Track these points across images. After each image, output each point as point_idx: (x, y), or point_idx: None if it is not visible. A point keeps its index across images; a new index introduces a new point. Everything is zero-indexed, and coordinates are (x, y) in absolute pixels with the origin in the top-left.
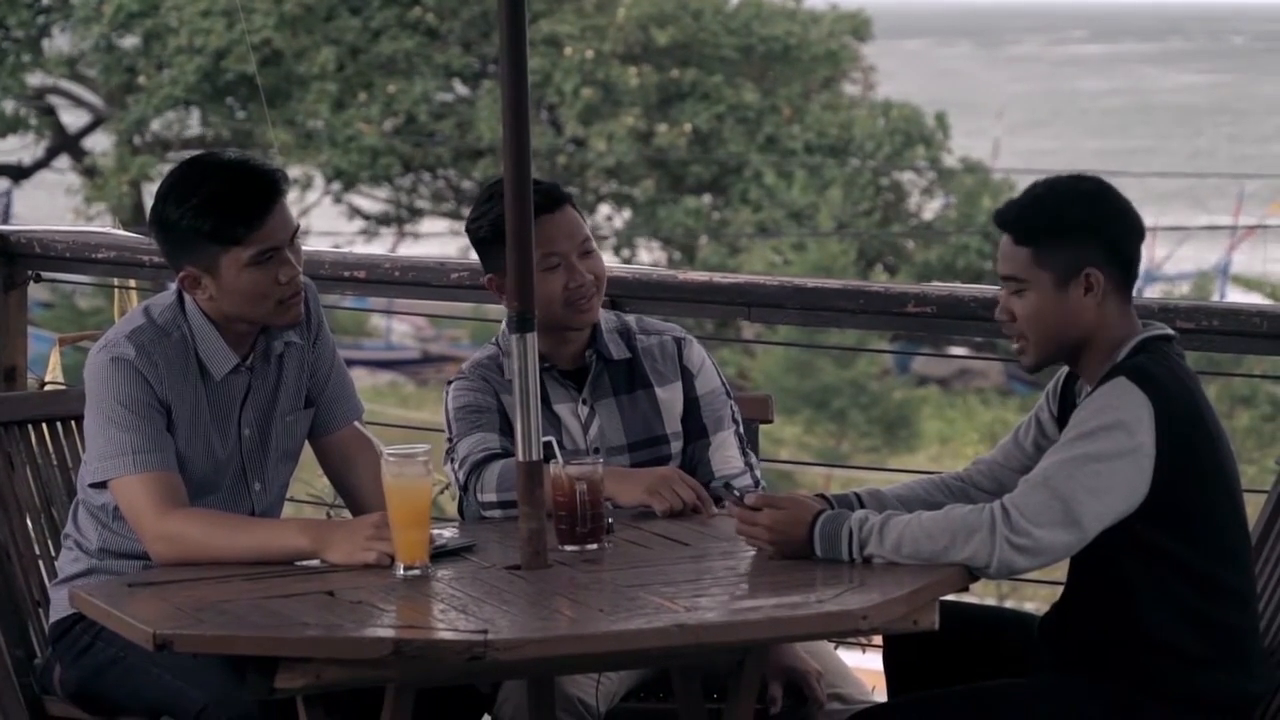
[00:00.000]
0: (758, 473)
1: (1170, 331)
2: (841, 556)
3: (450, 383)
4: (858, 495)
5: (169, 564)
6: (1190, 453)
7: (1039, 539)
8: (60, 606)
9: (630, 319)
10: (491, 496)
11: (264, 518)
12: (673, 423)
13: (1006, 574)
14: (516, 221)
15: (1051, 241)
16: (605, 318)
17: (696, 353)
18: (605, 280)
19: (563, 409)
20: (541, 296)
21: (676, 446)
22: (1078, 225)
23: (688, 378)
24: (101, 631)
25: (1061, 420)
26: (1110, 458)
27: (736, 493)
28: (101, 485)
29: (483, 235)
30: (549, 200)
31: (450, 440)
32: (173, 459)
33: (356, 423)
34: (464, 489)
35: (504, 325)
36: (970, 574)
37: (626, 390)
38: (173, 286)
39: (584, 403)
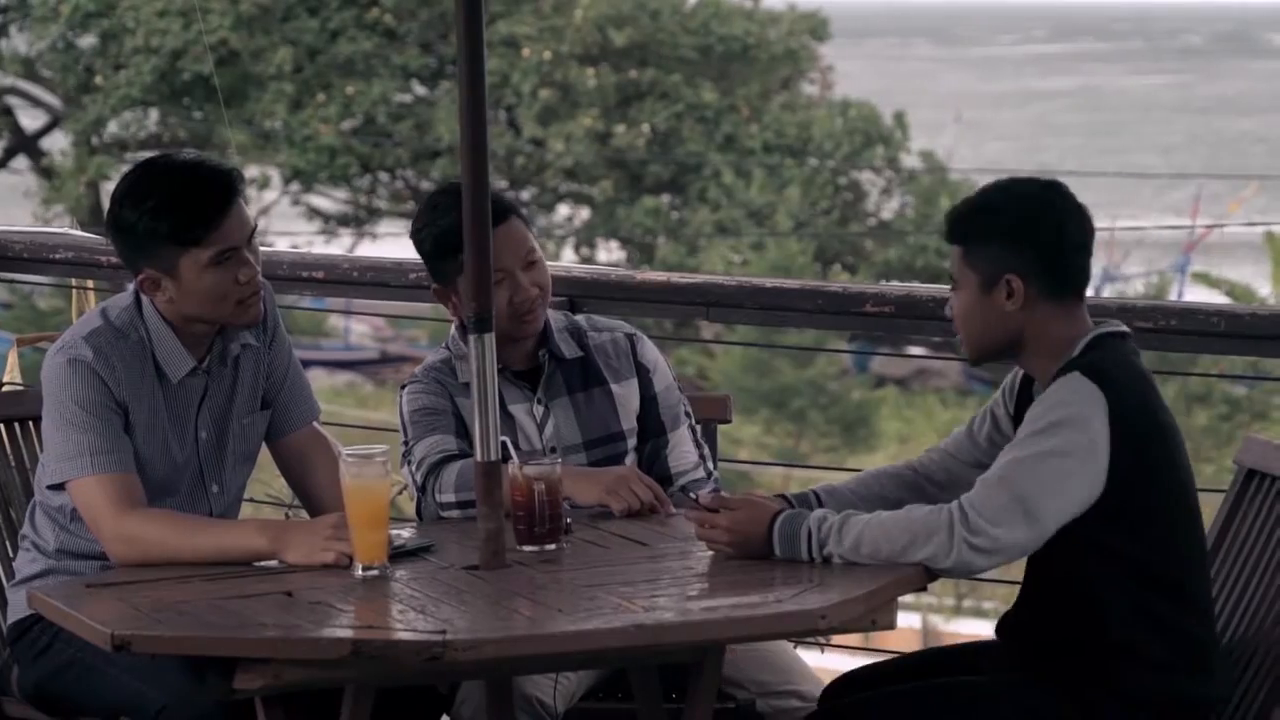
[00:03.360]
0: (710, 464)
1: (1125, 329)
2: (800, 556)
3: (404, 387)
4: (816, 494)
5: (127, 565)
6: (1144, 449)
7: (997, 538)
8: (18, 608)
9: (580, 318)
10: (450, 497)
11: (222, 519)
12: (628, 419)
13: (965, 574)
14: (474, 223)
15: (978, 244)
16: (554, 317)
17: (650, 349)
18: (550, 288)
19: (517, 409)
20: (498, 313)
21: (632, 443)
22: (1003, 231)
23: (644, 375)
24: (60, 632)
25: (1017, 418)
26: (1066, 454)
27: (693, 495)
28: (59, 487)
29: (427, 249)
30: (495, 214)
31: (406, 443)
32: (130, 460)
33: (315, 424)
34: (421, 490)
35: (453, 329)
36: (929, 574)
37: (581, 388)
38: (130, 288)
39: (539, 402)
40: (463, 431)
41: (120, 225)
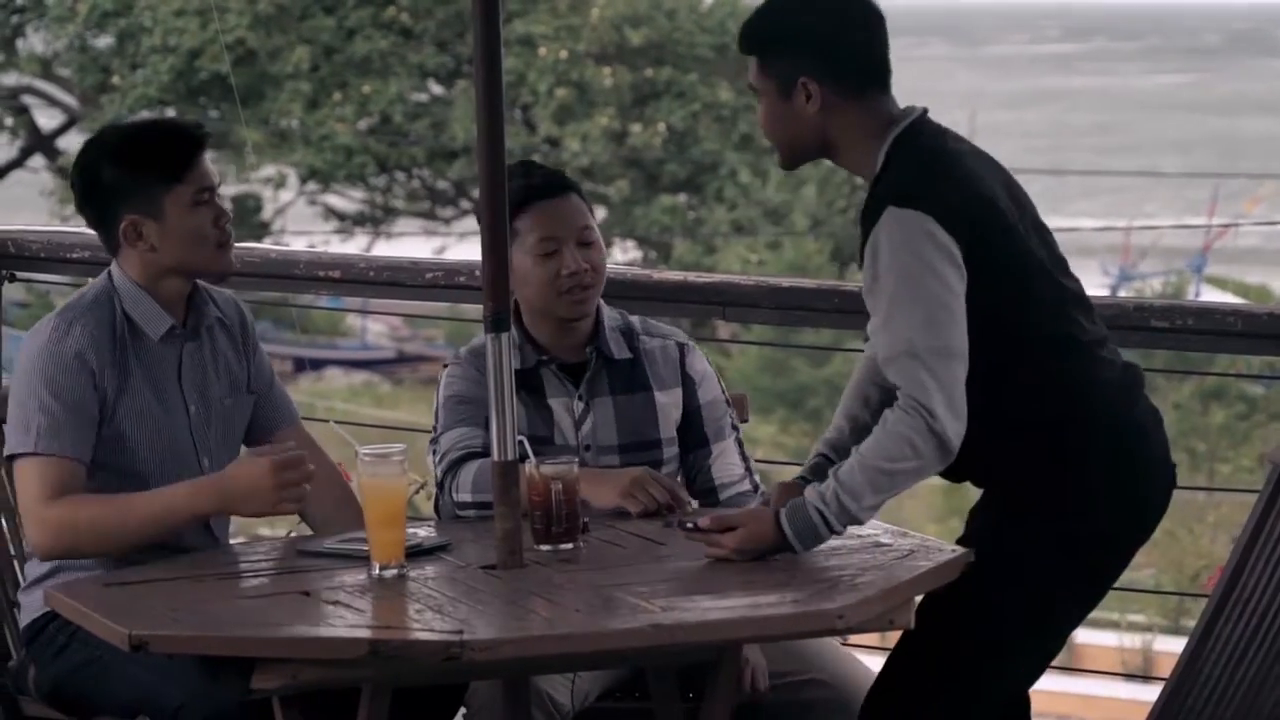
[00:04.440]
0: (756, 478)
1: (919, 111)
2: (825, 539)
3: (445, 366)
4: (825, 456)
5: (56, 556)
6: (982, 234)
7: (948, 395)
8: (32, 608)
9: (634, 319)
10: (466, 496)
11: (151, 490)
12: (668, 428)
13: (958, 437)
14: (491, 220)
15: (770, 51)
16: (609, 315)
17: (699, 361)
18: (604, 274)
19: (557, 403)
20: (536, 283)
21: (670, 452)
22: (790, 35)
23: (689, 385)
24: (77, 631)
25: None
26: (933, 295)
27: (690, 525)
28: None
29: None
30: (552, 185)
31: (435, 429)
32: (84, 450)
33: (299, 426)
34: (440, 486)
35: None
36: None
37: (624, 390)
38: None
39: (580, 399)
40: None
41: (98, 180)
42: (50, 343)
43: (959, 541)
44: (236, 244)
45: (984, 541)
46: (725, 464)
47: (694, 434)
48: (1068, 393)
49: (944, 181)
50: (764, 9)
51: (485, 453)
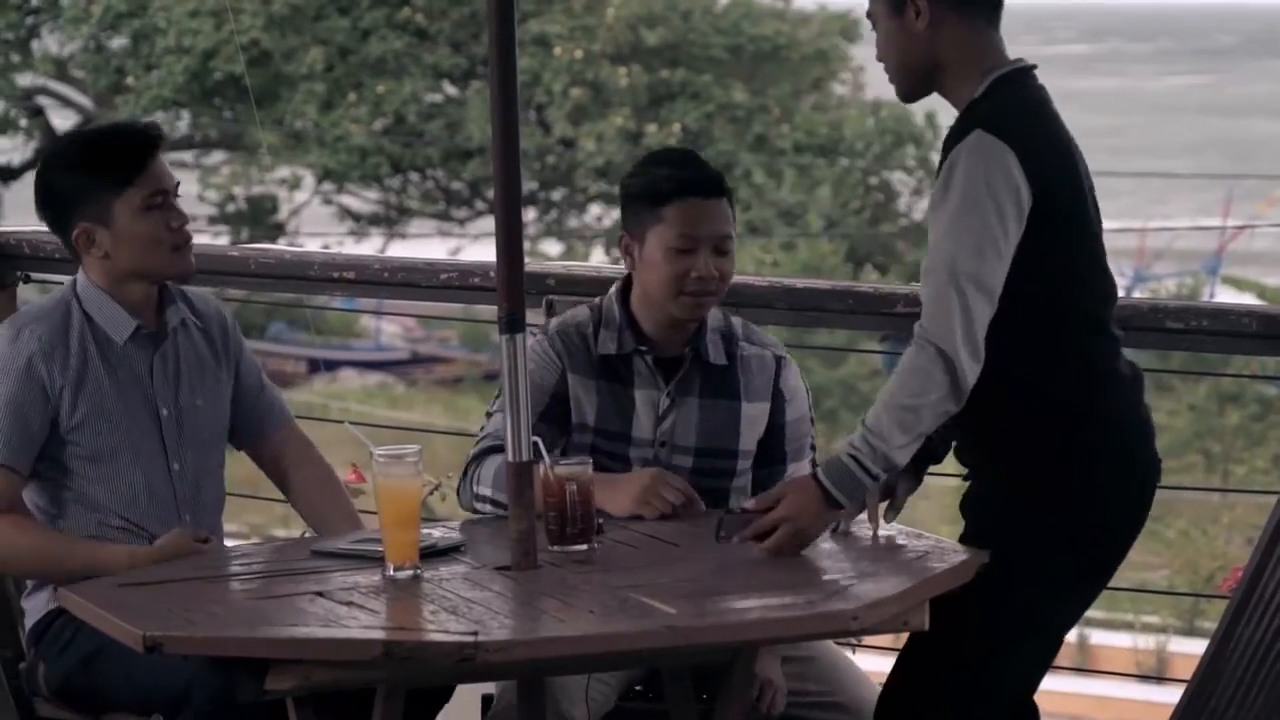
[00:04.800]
0: None
1: (1029, 63)
2: (867, 487)
3: (533, 333)
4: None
5: None
6: (1055, 193)
7: (966, 324)
8: (36, 609)
9: (737, 323)
10: (485, 490)
11: (95, 543)
12: (748, 441)
13: (973, 374)
14: (505, 223)
15: None
16: (713, 316)
17: (793, 376)
18: (728, 285)
19: (642, 395)
20: (661, 277)
21: (744, 465)
22: None
23: (779, 401)
24: (82, 625)
25: None
26: (986, 225)
27: (734, 508)
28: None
29: (633, 191)
30: (710, 185)
31: (495, 398)
32: (21, 463)
33: (291, 424)
34: (463, 473)
35: (613, 290)
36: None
37: (712, 395)
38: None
39: (667, 395)
40: (552, 415)
41: (50, 189)
42: (7, 351)
43: (961, 538)
44: (251, 245)
45: (989, 536)
46: None
47: (773, 450)
48: (1089, 379)
49: (1036, 129)
50: None
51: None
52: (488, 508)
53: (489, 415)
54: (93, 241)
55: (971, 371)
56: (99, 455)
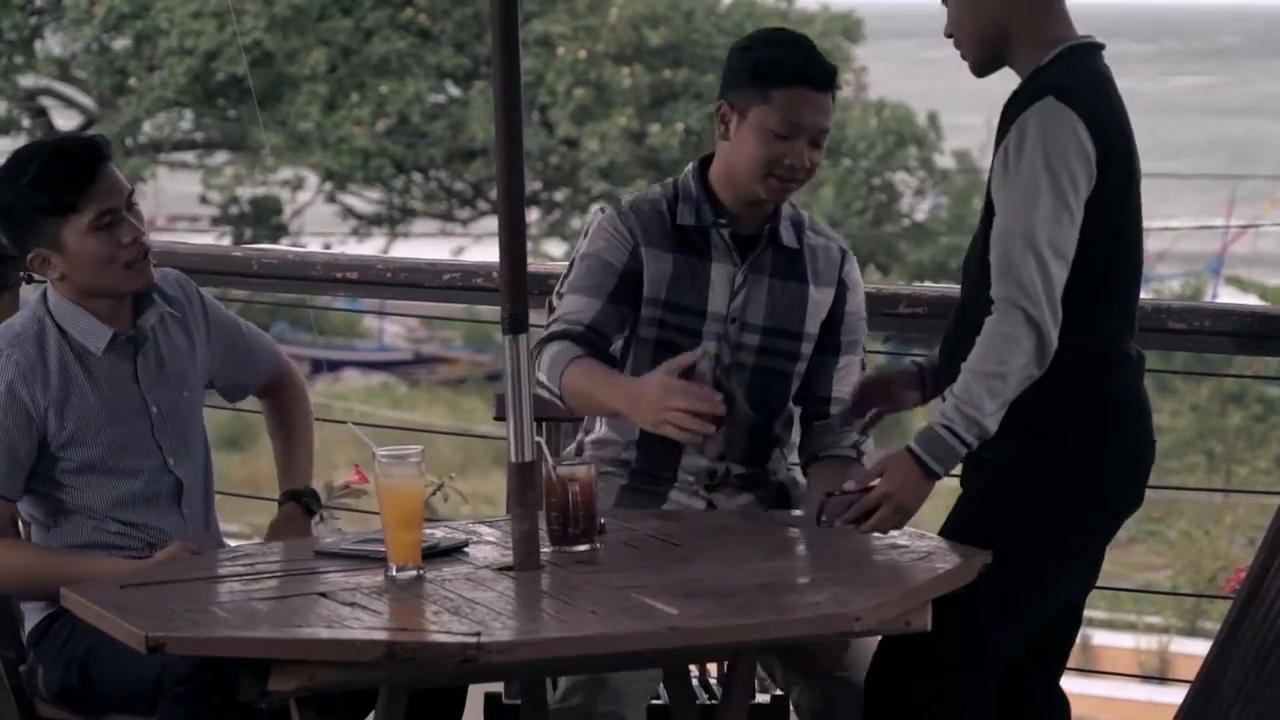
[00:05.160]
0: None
1: (1098, 40)
2: (961, 455)
3: (603, 210)
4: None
5: None
6: (1112, 167)
7: (1047, 287)
8: (35, 612)
9: (805, 215)
10: (541, 376)
11: (90, 559)
12: (813, 324)
13: (1056, 336)
14: (509, 224)
15: None
16: (787, 205)
17: (855, 271)
18: (814, 177)
19: (718, 269)
20: (752, 157)
21: (807, 348)
22: None
23: (842, 290)
24: (76, 628)
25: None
26: (1061, 184)
27: (836, 494)
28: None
29: (744, 65)
30: (822, 78)
31: (564, 278)
32: (12, 490)
33: (279, 357)
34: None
35: (691, 166)
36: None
37: (783, 276)
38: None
39: (741, 272)
40: (621, 295)
41: (5, 211)
42: None
43: (951, 514)
44: (254, 245)
45: (988, 505)
46: (846, 379)
47: (829, 339)
48: (1104, 351)
49: (1103, 101)
50: None
51: (584, 335)
52: (543, 394)
53: (560, 296)
54: (48, 264)
55: (1055, 334)
56: (91, 466)
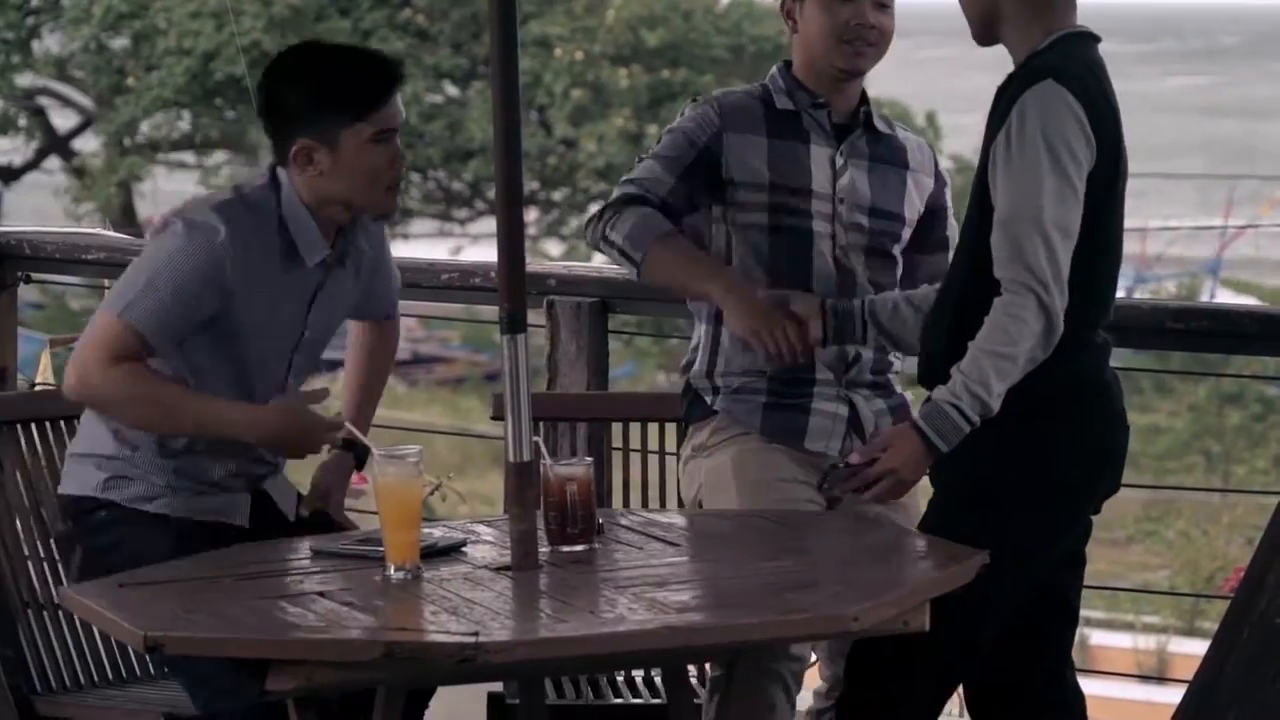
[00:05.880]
0: None
1: (1094, 33)
2: (965, 431)
3: (694, 99)
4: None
5: (83, 403)
6: (1103, 155)
7: (1056, 267)
8: (83, 482)
9: (895, 121)
10: (616, 238)
11: (210, 399)
12: (912, 210)
13: (1063, 314)
14: (507, 223)
15: None
16: (876, 106)
17: (944, 170)
18: (889, 42)
19: (817, 151)
20: (820, 27)
21: (906, 233)
22: None
23: (940, 183)
24: (126, 535)
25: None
26: (1064, 164)
27: (840, 466)
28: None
29: None
30: None
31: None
32: (165, 347)
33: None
34: (598, 216)
35: (775, 67)
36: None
37: (882, 161)
38: (264, 170)
39: (840, 154)
40: (694, 173)
41: (279, 100)
42: (195, 239)
43: (925, 517)
44: None
45: (959, 493)
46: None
47: (935, 233)
48: (1069, 338)
49: (1097, 88)
50: None
51: (661, 204)
52: (614, 254)
53: (640, 160)
54: (311, 160)
55: (1062, 314)
56: (233, 359)
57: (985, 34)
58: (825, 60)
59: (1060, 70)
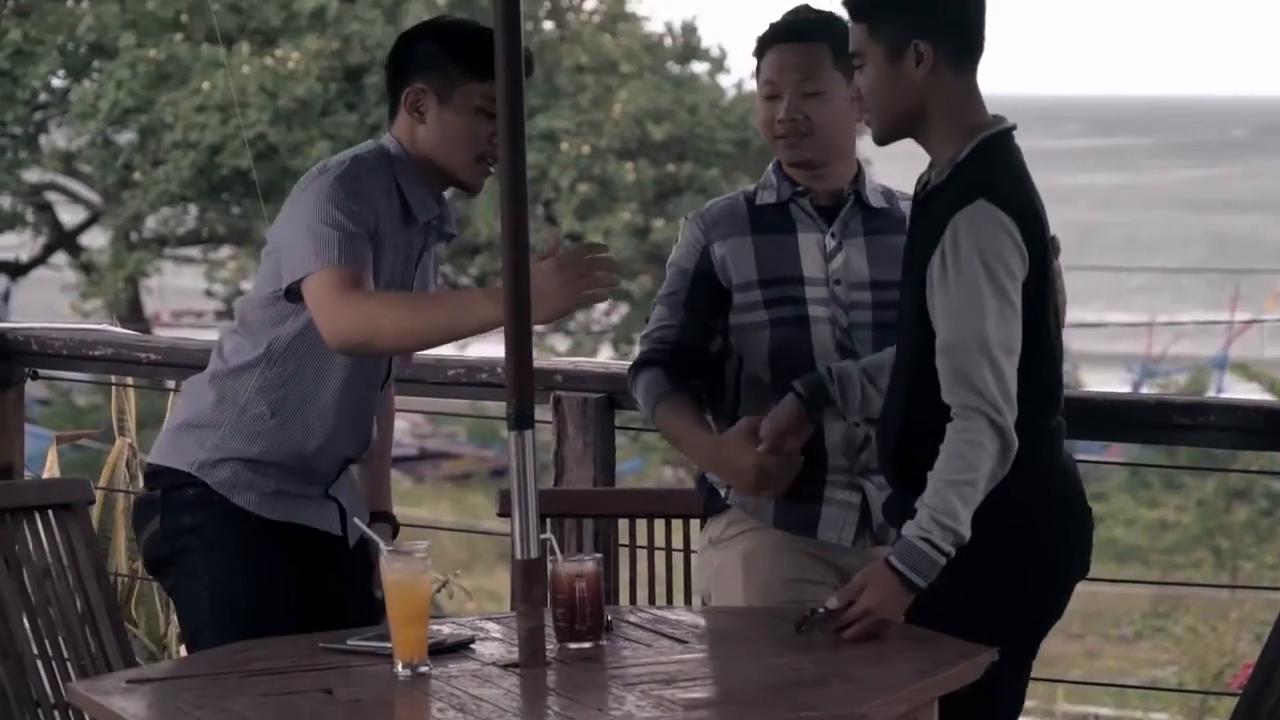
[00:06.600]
0: None
1: (1010, 124)
2: (940, 565)
3: (686, 218)
4: (829, 370)
5: (353, 346)
6: (1034, 251)
7: (1003, 387)
8: (178, 454)
9: (895, 190)
10: (637, 398)
11: (445, 291)
12: None
13: (1014, 430)
14: (514, 316)
15: (882, 15)
16: (870, 177)
17: None
18: (830, 128)
19: (805, 239)
20: (761, 127)
21: None
22: None
23: None
24: (215, 547)
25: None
26: (1002, 290)
27: (818, 611)
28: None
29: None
30: (788, 32)
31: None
32: (370, 264)
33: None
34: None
35: (771, 165)
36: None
37: (877, 232)
38: (378, 139)
39: (831, 236)
40: (696, 301)
41: (410, 48)
42: (344, 177)
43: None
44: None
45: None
46: None
47: None
48: (1033, 434)
49: (1023, 194)
50: None
51: (673, 360)
52: (643, 412)
53: (654, 305)
54: (418, 107)
55: (1014, 428)
56: None
57: (895, 132)
58: (777, 154)
59: (990, 187)
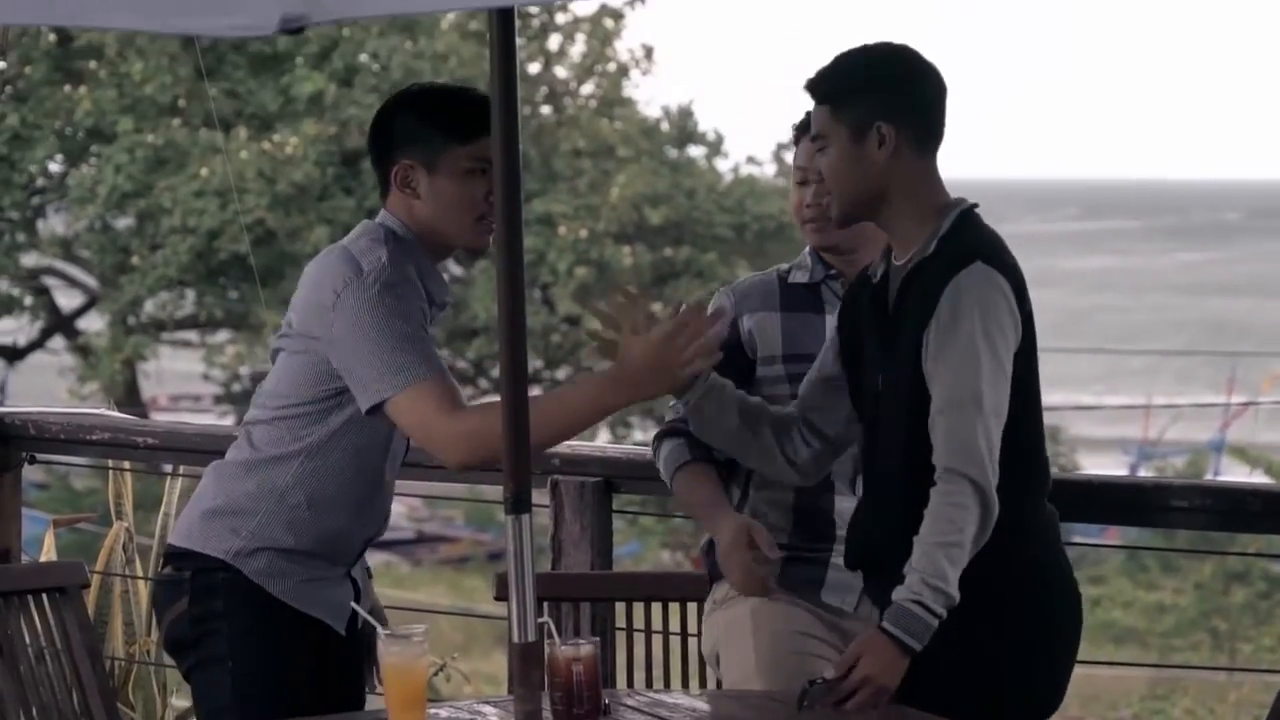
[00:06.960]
0: None
1: (975, 203)
2: (934, 626)
3: (725, 285)
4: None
5: (471, 466)
6: (1026, 328)
7: (989, 450)
8: (210, 541)
9: None
10: (659, 467)
11: (555, 391)
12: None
13: (994, 493)
14: (511, 399)
15: (846, 98)
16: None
17: None
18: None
19: (832, 321)
20: (792, 208)
21: None
22: (869, 81)
23: None
24: (238, 608)
25: (880, 309)
26: (998, 348)
27: (817, 682)
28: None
29: None
30: (806, 127)
31: None
32: (445, 367)
33: None
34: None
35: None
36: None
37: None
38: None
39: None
40: (723, 372)
41: (389, 124)
42: (388, 284)
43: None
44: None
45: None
46: None
47: None
48: (1025, 513)
49: (1017, 269)
50: (838, 60)
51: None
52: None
53: None
54: (408, 182)
55: (994, 491)
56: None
57: (857, 213)
58: (806, 237)
59: (984, 252)
